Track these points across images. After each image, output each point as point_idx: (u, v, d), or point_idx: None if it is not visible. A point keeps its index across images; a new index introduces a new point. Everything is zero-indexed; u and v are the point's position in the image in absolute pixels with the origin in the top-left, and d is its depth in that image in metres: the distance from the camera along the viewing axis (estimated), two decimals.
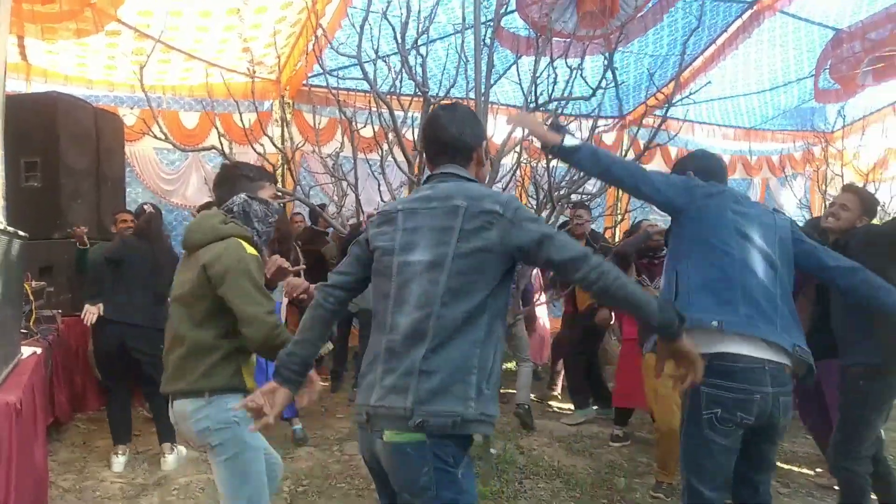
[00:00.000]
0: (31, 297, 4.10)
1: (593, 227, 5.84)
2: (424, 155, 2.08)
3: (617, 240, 6.38)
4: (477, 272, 1.77)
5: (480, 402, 1.73)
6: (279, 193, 4.94)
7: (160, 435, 4.32)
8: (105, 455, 4.37)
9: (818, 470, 4.36)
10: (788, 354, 2.26)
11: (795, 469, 4.44)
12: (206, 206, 5.20)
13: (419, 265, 1.80)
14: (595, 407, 5.57)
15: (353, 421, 1.91)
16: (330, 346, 7.44)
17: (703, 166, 2.64)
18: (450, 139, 1.96)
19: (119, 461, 4.22)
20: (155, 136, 4.10)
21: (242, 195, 2.45)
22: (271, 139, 4.78)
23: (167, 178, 7.71)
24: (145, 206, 4.67)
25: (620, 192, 9.14)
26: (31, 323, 4.10)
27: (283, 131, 7.69)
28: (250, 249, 2.32)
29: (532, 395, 5.67)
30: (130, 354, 4.21)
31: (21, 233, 2.93)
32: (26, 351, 3.32)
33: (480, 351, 1.76)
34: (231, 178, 2.51)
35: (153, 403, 4.37)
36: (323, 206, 6.17)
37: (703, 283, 2.33)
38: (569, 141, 2.41)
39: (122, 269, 4.31)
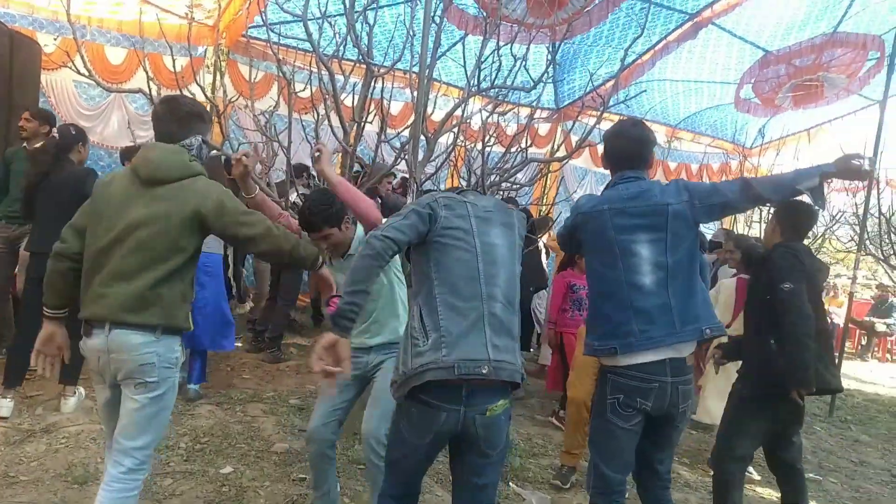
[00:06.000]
0: None
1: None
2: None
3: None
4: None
5: None
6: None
7: (66, 376, 4.13)
8: None
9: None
10: (696, 343, 2.48)
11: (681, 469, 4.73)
12: (130, 150, 5.00)
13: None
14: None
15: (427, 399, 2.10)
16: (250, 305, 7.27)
17: (615, 149, 2.67)
18: None
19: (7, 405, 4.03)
20: (77, 71, 3.86)
21: (199, 138, 2.43)
22: (202, 88, 4.59)
23: (86, 113, 7.26)
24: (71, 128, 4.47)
25: (548, 184, 9.47)
26: None
27: (214, 80, 7.41)
28: None
29: None
30: None
31: None
32: None
33: None
34: (191, 115, 2.43)
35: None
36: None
37: (598, 311, 2.51)
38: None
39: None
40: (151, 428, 2.33)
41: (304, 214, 2.77)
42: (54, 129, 4.57)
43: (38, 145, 4.53)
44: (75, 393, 4.22)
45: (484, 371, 2.03)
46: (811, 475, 4.76)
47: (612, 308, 2.46)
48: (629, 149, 2.62)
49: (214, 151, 4.65)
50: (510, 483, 3.95)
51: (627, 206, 2.49)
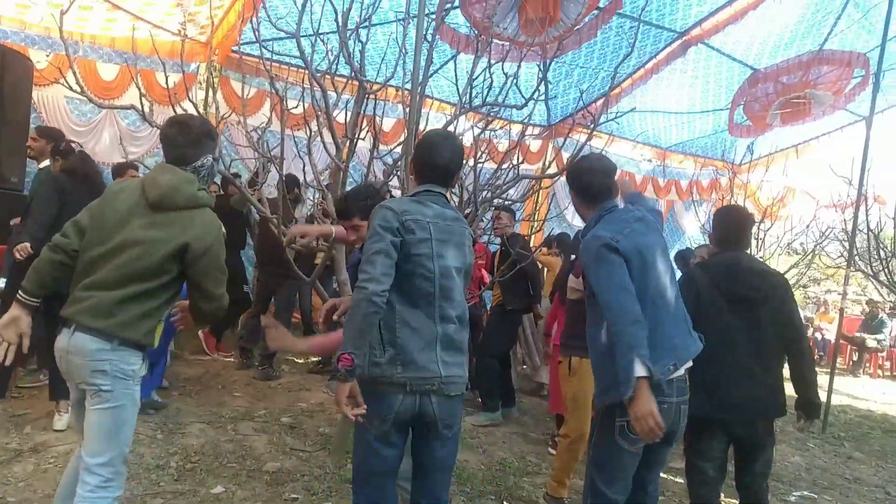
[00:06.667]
0: None
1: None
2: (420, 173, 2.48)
3: (532, 245, 6.51)
4: None
5: None
6: None
7: (56, 391, 4.12)
8: None
9: None
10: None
11: (670, 479, 4.71)
12: (122, 166, 4.97)
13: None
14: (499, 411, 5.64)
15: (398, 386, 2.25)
16: None
17: (592, 184, 2.71)
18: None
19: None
20: (69, 87, 3.85)
21: (210, 157, 2.44)
22: (195, 104, 4.59)
23: (77, 129, 7.23)
24: (73, 143, 4.47)
25: (539, 200, 9.52)
26: None
27: (206, 96, 7.42)
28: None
29: None
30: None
31: None
32: None
33: None
34: (202, 135, 2.42)
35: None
36: (237, 176, 6.02)
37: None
38: None
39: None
40: (112, 444, 2.31)
41: (340, 200, 2.94)
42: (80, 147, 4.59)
43: (64, 163, 4.52)
44: (69, 409, 4.15)
45: (434, 388, 2.27)
46: (805, 493, 4.76)
47: (656, 327, 2.42)
48: (605, 181, 2.71)
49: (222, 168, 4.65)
50: (504, 502, 3.92)
51: (639, 226, 2.56)
